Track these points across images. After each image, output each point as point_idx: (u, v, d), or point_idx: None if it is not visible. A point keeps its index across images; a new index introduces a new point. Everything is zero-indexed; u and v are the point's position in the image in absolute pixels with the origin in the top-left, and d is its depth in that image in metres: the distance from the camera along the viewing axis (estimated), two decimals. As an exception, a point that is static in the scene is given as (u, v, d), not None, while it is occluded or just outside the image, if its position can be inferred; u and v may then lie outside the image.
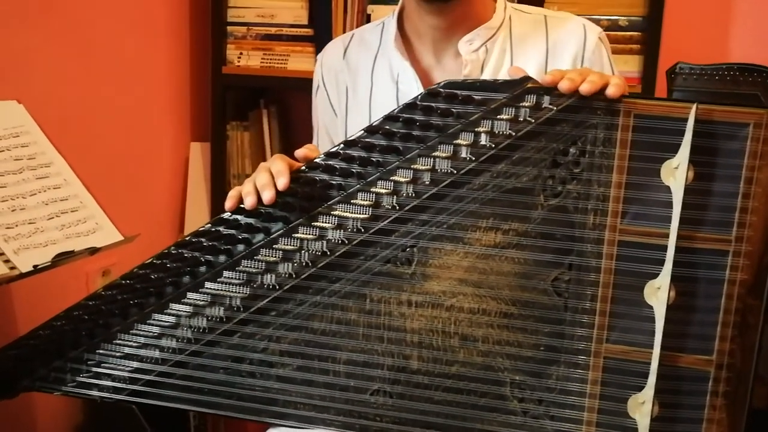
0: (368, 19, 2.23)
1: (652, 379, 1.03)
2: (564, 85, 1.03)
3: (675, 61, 1.09)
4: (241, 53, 2.36)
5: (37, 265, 1.25)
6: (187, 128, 2.44)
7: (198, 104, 2.45)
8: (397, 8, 1.41)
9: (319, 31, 2.31)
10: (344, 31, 2.21)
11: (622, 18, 2.11)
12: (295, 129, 2.48)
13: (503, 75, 1.31)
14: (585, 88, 1.02)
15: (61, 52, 1.89)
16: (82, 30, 1.96)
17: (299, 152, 1.14)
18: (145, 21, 2.24)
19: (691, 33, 2.25)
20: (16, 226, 1.29)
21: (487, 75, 1.32)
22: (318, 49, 2.24)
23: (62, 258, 1.29)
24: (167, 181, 2.38)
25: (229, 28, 2.36)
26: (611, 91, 1.02)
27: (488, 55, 1.31)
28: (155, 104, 2.31)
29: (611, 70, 1.37)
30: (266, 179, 1.11)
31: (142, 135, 2.23)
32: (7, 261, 1.23)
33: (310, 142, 1.55)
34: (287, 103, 2.49)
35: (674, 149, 1.02)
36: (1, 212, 1.28)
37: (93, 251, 1.35)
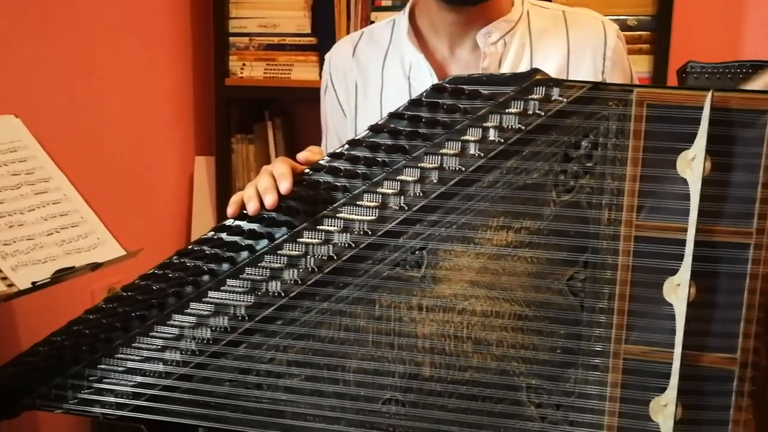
0: (372, 26, 2.21)
1: (674, 379, 0.99)
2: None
3: (685, 60, 1.07)
4: (243, 64, 2.34)
5: (36, 282, 1.22)
6: (192, 142, 2.42)
7: (202, 117, 2.44)
8: (408, 4, 1.40)
9: (323, 39, 2.29)
10: (347, 39, 2.19)
11: (631, 17, 2.09)
12: (301, 140, 2.47)
13: (522, 69, 1.29)
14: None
15: (61, 66, 1.87)
16: (82, 43, 1.94)
17: (301, 155, 1.12)
18: (147, 34, 2.22)
19: (702, 31, 2.23)
20: (14, 242, 1.27)
21: (505, 69, 1.30)
22: (322, 58, 2.22)
23: (62, 274, 1.27)
24: (172, 196, 2.36)
25: (231, 39, 2.35)
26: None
27: (506, 48, 1.29)
28: (158, 118, 2.30)
29: (629, 68, 1.37)
30: (268, 183, 1.07)
31: (146, 149, 2.22)
32: (4, 278, 1.21)
33: (318, 149, 1.54)
34: (292, 114, 2.47)
35: (690, 139, 0.98)
36: (-1, 228, 1.26)
37: (95, 267, 1.32)
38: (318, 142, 1.57)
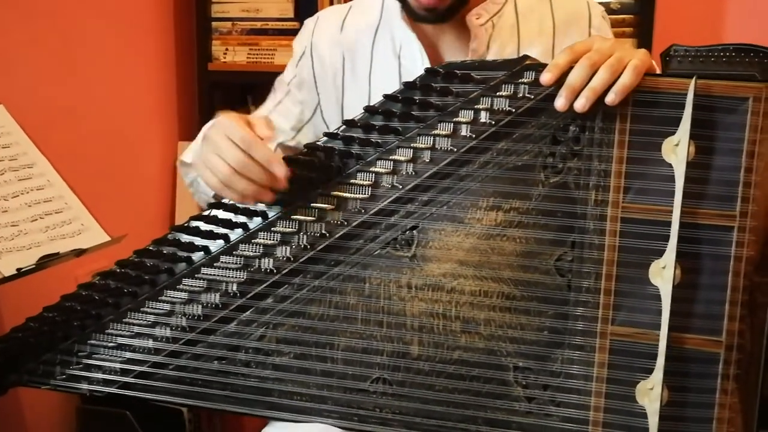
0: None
1: (660, 360, 1.00)
2: (558, 103, 1.02)
3: (669, 44, 1.08)
4: (227, 49, 2.34)
5: (21, 268, 1.22)
6: (175, 127, 2.41)
7: (185, 102, 2.43)
8: None
9: (306, 25, 2.28)
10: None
11: (614, 1, 2.10)
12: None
13: (509, 52, 1.29)
14: (579, 105, 1.01)
15: (43, 52, 1.86)
16: (65, 29, 1.93)
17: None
18: (129, 19, 2.21)
19: (685, 15, 2.24)
20: (-2, 228, 1.26)
21: (494, 49, 1.30)
22: (305, 44, 2.21)
23: (47, 260, 1.26)
24: (156, 181, 2.35)
25: (213, 23, 2.34)
26: (609, 99, 1.01)
27: (495, 30, 1.30)
28: (141, 103, 2.29)
29: None
30: (258, 174, 1.04)
31: (129, 135, 2.21)
32: (-11, 265, 1.20)
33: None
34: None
35: (674, 123, 1.00)
36: (-18, 215, 1.25)
37: (79, 253, 1.32)
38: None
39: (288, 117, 1.43)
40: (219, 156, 1.05)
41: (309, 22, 1.45)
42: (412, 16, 1.27)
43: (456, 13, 1.26)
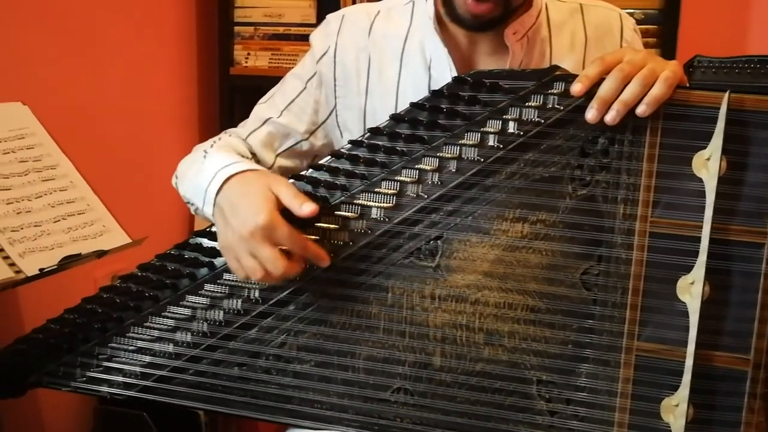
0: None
1: (687, 377, 0.99)
2: (589, 116, 1.01)
3: (693, 55, 1.07)
4: (248, 54, 2.34)
5: (44, 269, 1.22)
6: (195, 130, 2.41)
7: (206, 106, 2.43)
8: None
9: (328, 31, 2.28)
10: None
11: (638, 11, 2.09)
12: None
13: (543, 65, 1.28)
14: (610, 117, 1.00)
15: (67, 54, 1.86)
16: (88, 32, 1.93)
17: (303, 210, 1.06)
18: (152, 22, 2.21)
19: (709, 25, 2.22)
20: (22, 228, 1.26)
21: (526, 64, 1.28)
22: (327, 49, 2.21)
23: (69, 261, 1.27)
24: (176, 184, 2.35)
25: (236, 28, 2.34)
26: (640, 110, 0.99)
27: (528, 44, 1.29)
28: (163, 106, 2.29)
29: None
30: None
31: (150, 138, 2.21)
32: (12, 264, 1.21)
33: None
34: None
35: (706, 138, 0.99)
36: (7, 215, 1.26)
37: (100, 254, 1.32)
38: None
39: (302, 118, 1.37)
40: (256, 259, 1.03)
41: (333, 21, 1.38)
42: (456, 20, 1.24)
43: (498, 25, 1.24)
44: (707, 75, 1.06)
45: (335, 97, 1.36)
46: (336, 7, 2.25)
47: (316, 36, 1.39)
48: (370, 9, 1.38)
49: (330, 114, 1.37)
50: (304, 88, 1.37)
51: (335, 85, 1.36)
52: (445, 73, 1.28)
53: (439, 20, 1.29)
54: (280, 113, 1.37)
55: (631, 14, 2.08)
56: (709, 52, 1.06)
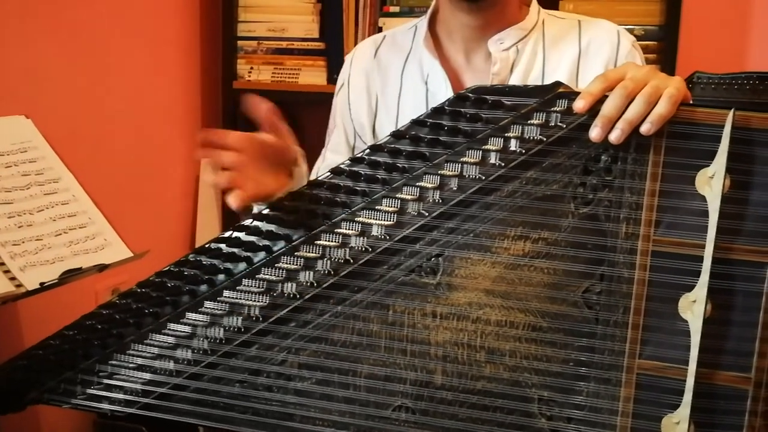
0: (380, 32, 2.23)
1: (688, 396, 0.99)
2: (593, 134, 1.00)
3: (692, 71, 1.06)
4: (251, 68, 2.34)
5: (44, 283, 1.22)
6: (198, 144, 2.41)
7: (209, 120, 2.43)
8: (430, 9, 1.42)
9: (331, 44, 2.29)
10: (356, 44, 2.20)
11: (638, 27, 2.09)
12: (307, 144, 2.44)
13: (534, 77, 1.29)
14: (614, 137, 0.99)
15: (70, 67, 1.87)
16: (92, 45, 1.94)
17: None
18: (156, 35, 2.22)
19: (709, 42, 2.23)
20: (23, 242, 1.26)
21: (516, 75, 1.31)
22: (329, 63, 2.23)
23: (70, 275, 1.27)
24: (178, 198, 2.35)
25: (239, 42, 2.35)
26: (645, 128, 0.98)
27: (519, 55, 1.30)
28: (166, 120, 2.29)
29: None
30: None
31: (153, 151, 2.21)
32: (12, 278, 1.21)
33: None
34: (299, 118, 2.46)
35: (709, 156, 0.98)
36: (8, 228, 1.26)
37: (102, 268, 1.32)
38: (324, 145, 1.57)
39: (340, 152, 1.49)
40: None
41: (348, 56, 1.52)
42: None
43: (497, 4, 1.28)
44: (707, 91, 1.06)
45: (351, 120, 1.47)
46: (339, 21, 2.27)
47: (340, 75, 1.53)
48: (377, 37, 1.50)
49: (355, 135, 1.48)
50: (335, 124, 1.51)
51: (350, 110, 1.46)
52: (440, 85, 1.31)
53: (434, 38, 1.34)
54: (324, 156, 1.53)
55: (630, 30, 2.09)
56: (708, 68, 1.06)
